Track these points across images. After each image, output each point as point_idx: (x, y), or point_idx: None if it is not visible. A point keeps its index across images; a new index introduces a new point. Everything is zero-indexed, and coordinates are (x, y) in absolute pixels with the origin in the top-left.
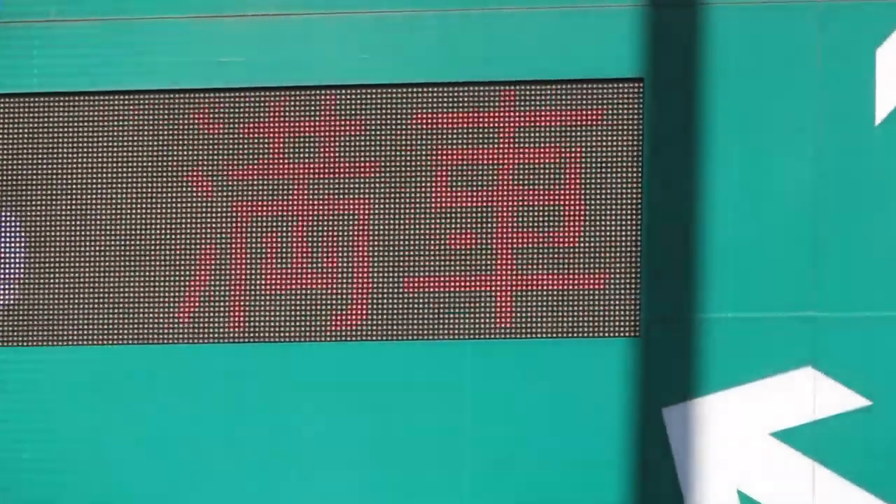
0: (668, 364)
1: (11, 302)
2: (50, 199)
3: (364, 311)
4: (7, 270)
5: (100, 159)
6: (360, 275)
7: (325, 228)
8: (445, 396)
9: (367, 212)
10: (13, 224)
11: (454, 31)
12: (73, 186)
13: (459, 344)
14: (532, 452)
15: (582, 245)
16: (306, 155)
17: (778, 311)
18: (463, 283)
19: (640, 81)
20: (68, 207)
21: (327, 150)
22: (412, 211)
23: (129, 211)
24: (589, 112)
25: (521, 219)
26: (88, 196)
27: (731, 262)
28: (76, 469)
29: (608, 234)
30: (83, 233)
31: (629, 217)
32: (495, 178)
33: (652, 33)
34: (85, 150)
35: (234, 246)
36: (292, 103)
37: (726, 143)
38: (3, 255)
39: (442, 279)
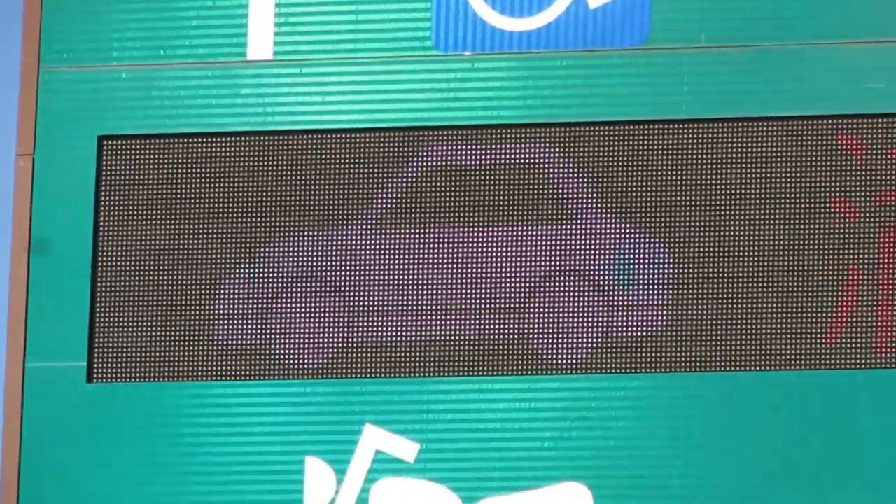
0: None
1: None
2: (697, 221)
3: None
4: (653, 295)
5: (745, 182)
6: None
7: None
8: None
9: None
10: (660, 251)
11: None
12: (717, 210)
13: None
14: None
15: None
16: None
17: None
18: None
19: None
20: (712, 231)
21: None
22: None
23: (771, 234)
24: None
25: None
26: (734, 220)
27: None
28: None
29: None
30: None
31: None
32: None
33: None
34: (734, 173)
35: (880, 270)
36: None
37: None
38: (649, 280)
39: None
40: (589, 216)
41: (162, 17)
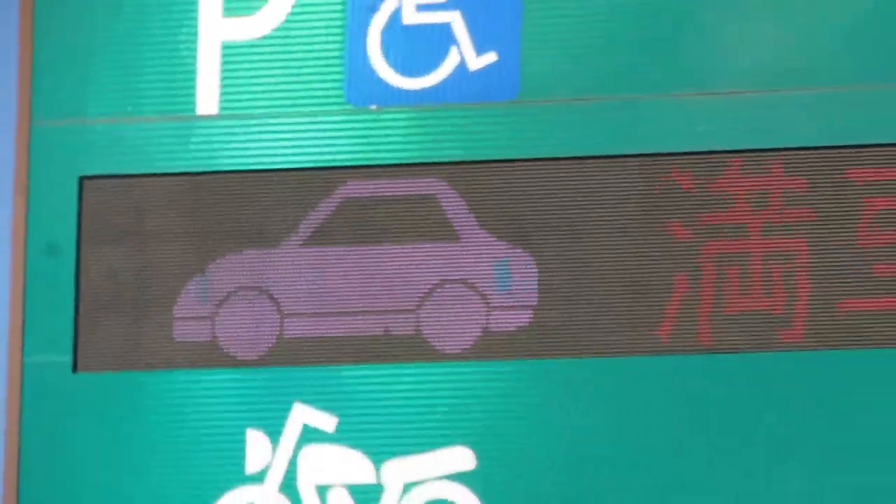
0: None
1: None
2: None
3: None
4: (523, 298)
5: None
6: None
7: None
8: None
9: None
10: (528, 264)
11: None
12: None
13: None
14: None
15: None
16: None
17: None
18: None
19: None
20: None
21: None
22: None
23: None
24: None
25: None
26: None
27: None
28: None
29: None
30: None
31: None
32: None
33: None
34: None
35: (701, 276)
36: None
37: None
38: (520, 286)
39: None
40: (471, 235)
41: (127, 81)
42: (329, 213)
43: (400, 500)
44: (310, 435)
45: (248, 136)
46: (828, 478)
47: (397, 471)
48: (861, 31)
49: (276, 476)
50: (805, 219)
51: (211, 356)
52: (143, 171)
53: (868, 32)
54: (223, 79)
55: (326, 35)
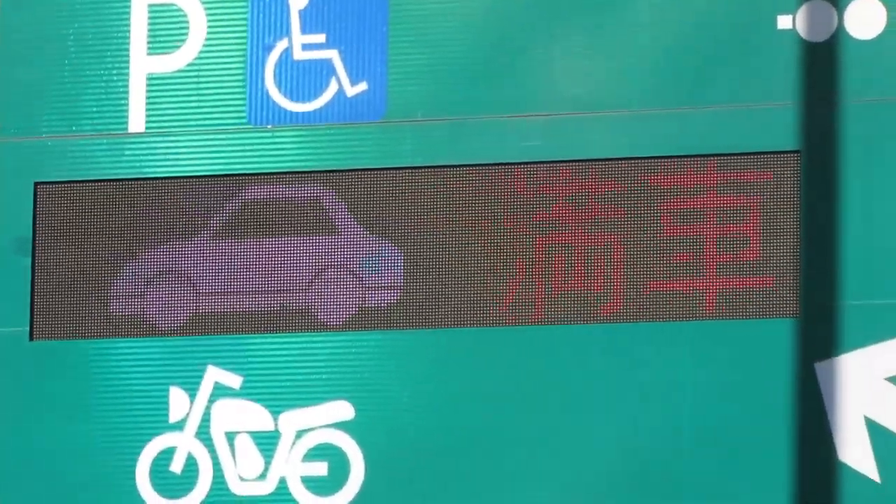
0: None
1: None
2: None
3: None
4: (391, 279)
5: None
6: None
7: None
8: None
9: None
10: (396, 252)
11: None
12: None
13: None
14: None
15: None
16: None
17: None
18: None
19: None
20: None
21: None
22: None
23: None
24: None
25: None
26: None
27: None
28: None
29: None
30: None
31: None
32: None
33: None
34: None
35: (536, 261)
36: None
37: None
38: (389, 270)
39: None
40: (349, 230)
41: (72, 105)
42: (234, 211)
43: (293, 444)
44: (220, 391)
45: (169, 150)
46: (638, 419)
47: (291, 420)
48: (660, 64)
49: (193, 425)
50: (617, 216)
51: (141, 327)
52: (85, 177)
53: (666, 65)
54: (148, 103)
55: (231, 68)
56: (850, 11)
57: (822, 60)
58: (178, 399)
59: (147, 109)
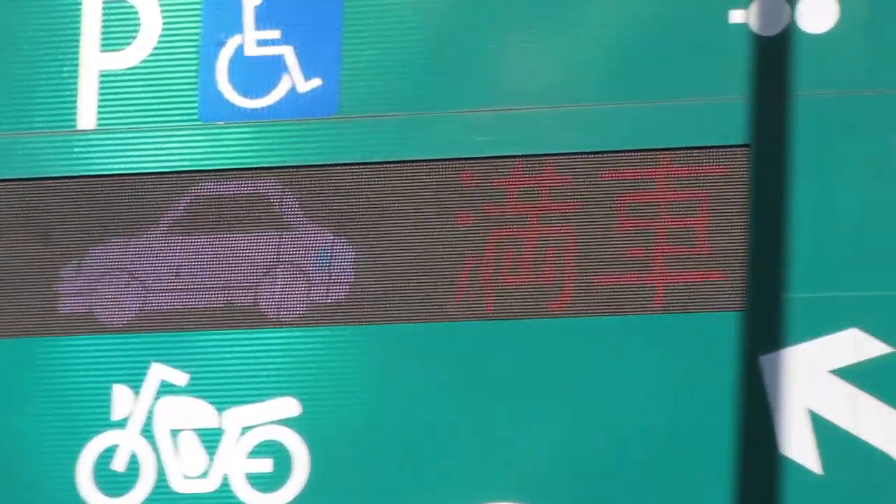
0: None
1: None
2: None
3: None
4: (338, 273)
5: None
6: None
7: None
8: None
9: None
10: (345, 248)
11: None
12: None
13: None
14: None
15: None
16: None
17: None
18: None
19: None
20: None
21: None
22: None
23: None
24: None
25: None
26: None
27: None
28: None
29: None
30: None
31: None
32: None
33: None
34: None
35: (485, 256)
36: None
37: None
38: (336, 266)
39: None
40: (299, 226)
41: (23, 103)
42: (184, 208)
43: (238, 440)
44: (165, 388)
45: (120, 147)
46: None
47: (236, 417)
48: (612, 58)
49: (136, 422)
50: (569, 210)
51: (86, 325)
52: (35, 175)
53: (618, 60)
54: (100, 100)
55: (183, 65)
56: (802, 6)
57: (773, 54)
58: (121, 396)
59: (99, 107)
